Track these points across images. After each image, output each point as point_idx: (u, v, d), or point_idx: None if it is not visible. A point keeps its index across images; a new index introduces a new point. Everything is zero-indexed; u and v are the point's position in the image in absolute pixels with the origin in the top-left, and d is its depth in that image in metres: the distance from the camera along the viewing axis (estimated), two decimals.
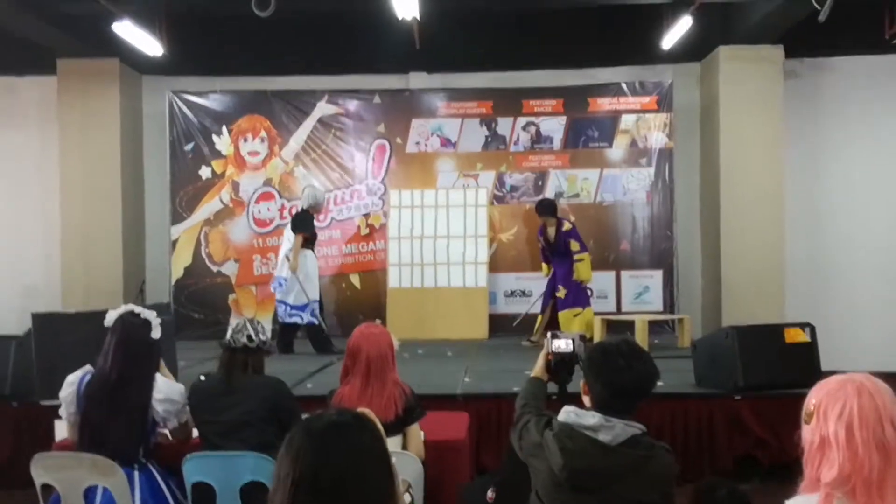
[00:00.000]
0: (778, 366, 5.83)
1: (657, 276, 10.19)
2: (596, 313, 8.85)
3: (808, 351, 6.00)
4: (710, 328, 9.15)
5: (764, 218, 9.55)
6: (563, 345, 3.05)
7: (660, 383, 6.08)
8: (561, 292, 8.65)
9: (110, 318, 3.75)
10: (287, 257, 8.31)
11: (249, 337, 3.72)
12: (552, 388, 3.11)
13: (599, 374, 2.60)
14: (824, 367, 5.92)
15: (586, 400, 2.64)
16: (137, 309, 3.82)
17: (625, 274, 10.18)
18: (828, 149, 9.99)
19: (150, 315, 3.80)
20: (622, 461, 2.50)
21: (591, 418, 2.55)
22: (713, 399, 5.90)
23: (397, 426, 3.61)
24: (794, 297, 9.46)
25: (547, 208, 8.85)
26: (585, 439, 2.53)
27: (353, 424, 1.68)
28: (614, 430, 2.52)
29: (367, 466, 1.63)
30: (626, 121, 10.18)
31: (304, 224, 8.40)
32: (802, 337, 6.03)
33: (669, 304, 10.10)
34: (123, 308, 3.80)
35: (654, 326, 8.84)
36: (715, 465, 5.66)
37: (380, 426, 2.06)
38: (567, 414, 2.62)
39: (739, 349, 5.81)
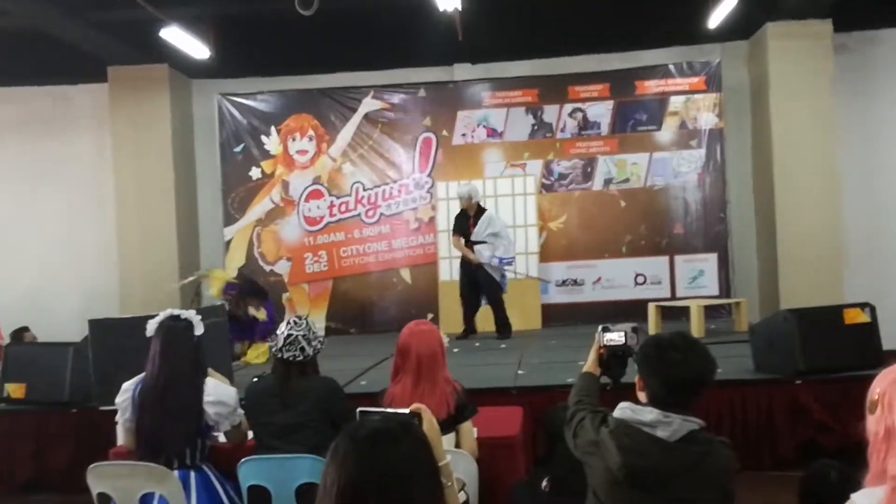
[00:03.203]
0: (838, 348, 5.68)
1: (712, 259, 10.01)
2: (650, 300, 8.74)
3: (869, 332, 5.83)
4: (768, 311, 8.95)
5: (820, 196, 9.34)
6: (615, 337, 2.94)
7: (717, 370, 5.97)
8: None
9: (151, 328, 3.79)
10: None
11: (302, 349, 3.72)
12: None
13: (655, 370, 2.52)
14: (888, 347, 5.76)
15: (641, 396, 2.57)
16: (177, 311, 3.86)
17: (678, 258, 10.04)
18: (882, 123, 9.75)
19: (191, 314, 3.84)
20: (681, 458, 2.43)
21: (648, 414, 2.48)
22: (773, 384, 5.76)
23: (449, 424, 3.57)
24: (854, 276, 9.22)
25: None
26: (643, 436, 2.46)
27: (397, 431, 1.67)
28: (672, 426, 2.45)
29: (411, 473, 1.62)
30: (675, 102, 10.03)
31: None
32: (862, 317, 5.86)
33: (725, 288, 9.92)
34: (163, 314, 3.83)
35: (711, 311, 8.69)
36: (776, 452, 5.54)
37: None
38: (623, 410, 2.55)
39: (798, 332, 5.66)
